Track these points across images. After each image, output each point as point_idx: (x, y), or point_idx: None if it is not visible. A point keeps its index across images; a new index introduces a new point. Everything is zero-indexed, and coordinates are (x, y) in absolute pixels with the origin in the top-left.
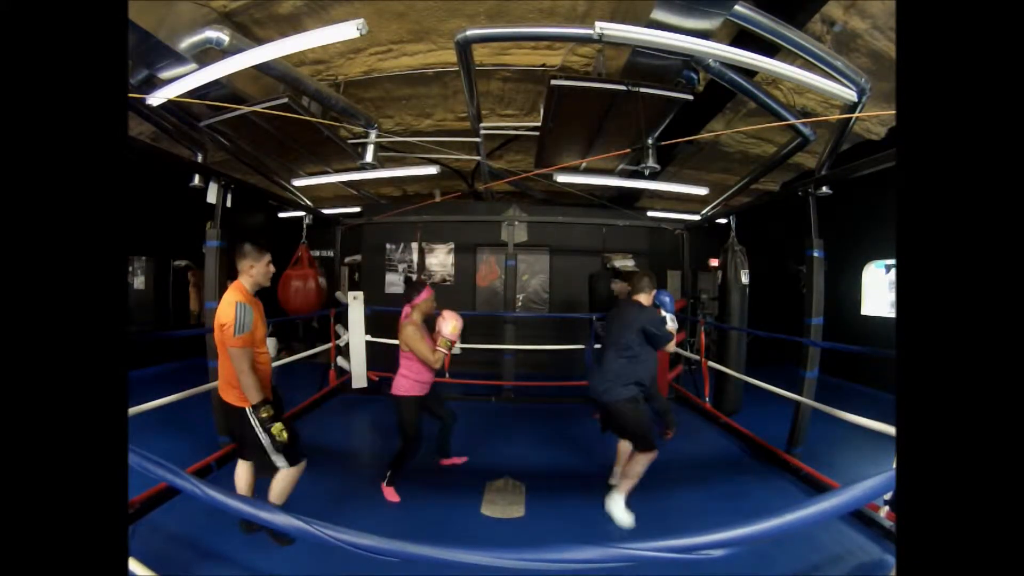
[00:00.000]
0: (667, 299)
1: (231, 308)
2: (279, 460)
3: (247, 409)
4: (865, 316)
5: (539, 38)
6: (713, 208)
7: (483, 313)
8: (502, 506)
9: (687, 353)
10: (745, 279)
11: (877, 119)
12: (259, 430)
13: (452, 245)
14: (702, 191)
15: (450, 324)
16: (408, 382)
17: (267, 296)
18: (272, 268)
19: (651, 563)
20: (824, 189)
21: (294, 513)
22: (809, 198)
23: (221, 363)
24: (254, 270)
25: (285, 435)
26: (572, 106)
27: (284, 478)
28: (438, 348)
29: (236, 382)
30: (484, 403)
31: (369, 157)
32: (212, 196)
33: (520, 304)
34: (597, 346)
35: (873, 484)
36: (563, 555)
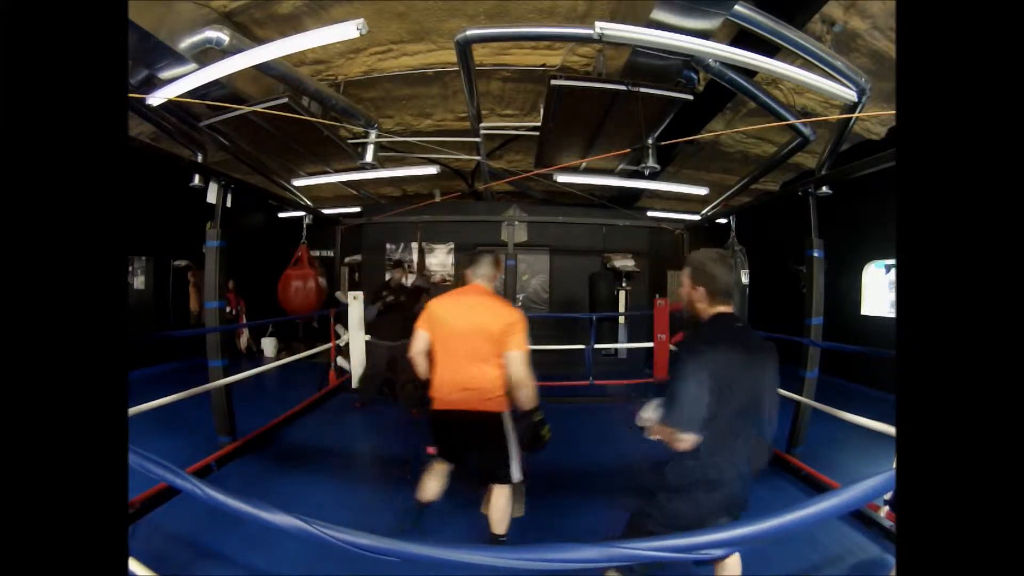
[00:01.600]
0: None
1: (517, 313)
2: (516, 471)
3: (503, 414)
4: (865, 316)
5: (539, 38)
6: (713, 208)
7: None
8: None
9: None
10: (745, 279)
11: (877, 119)
12: (509, 438)
13: (452, 245)
14: (702, 191)
15: None
16: None
17: (267, 296)
18: None
19: (651, 562)
20: (824, 189)
21: (294, 512)
22: (809, 198)
23: (481, 371)
24: (497, 279)
25: (549, 435)
26: (572, 106)
27: (508, 495)
28: None
29: (499, 390)
30: None
31: (369, 157)
32: (212, 196)
33: (520, 304)
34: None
35: (873, 484)
36: (563, 555)
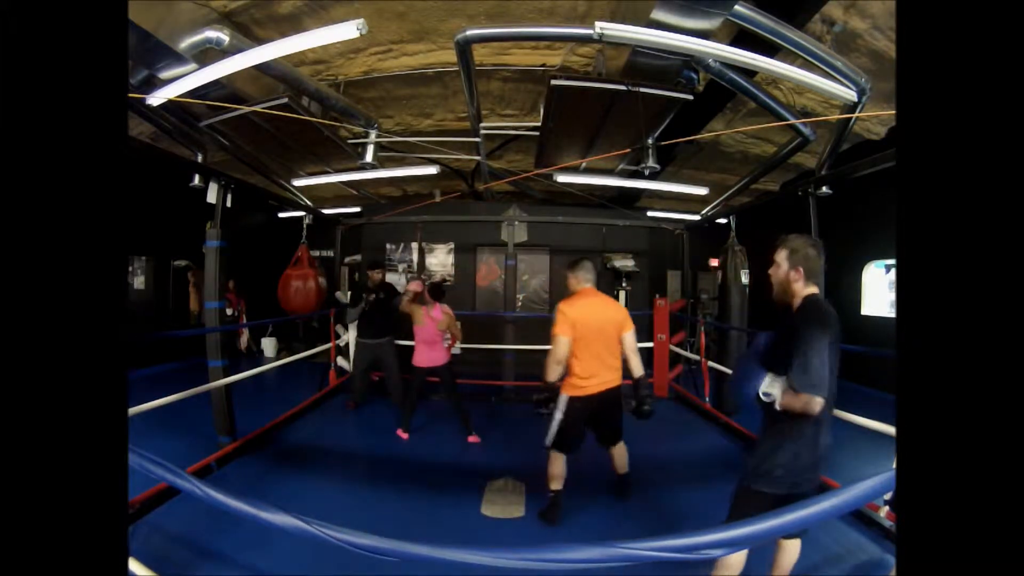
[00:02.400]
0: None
1: (621, 304)
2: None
3: (620, 386)
4: (865, 316)
5: (539, 38)
6: (713, 208)
7: (483, 313)
8: (502, 506)
9: (687, 353)
10: (745, 279)
11: (877, 119)
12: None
13: (452, 245)
14: (702, 191)
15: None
16: None
17: (267, 296)
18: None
19: (651, 563)
20: (824, 189)
21: (294, 512)
22: (809, 198)
23: (617, 353)
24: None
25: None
26: (572, 106)
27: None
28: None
29: (620, 365)
30: (484, 403)
31: (369, 157)
32: (212, 196)
33: (520, 304)
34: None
35: (873, 484)
36: (563, 555)
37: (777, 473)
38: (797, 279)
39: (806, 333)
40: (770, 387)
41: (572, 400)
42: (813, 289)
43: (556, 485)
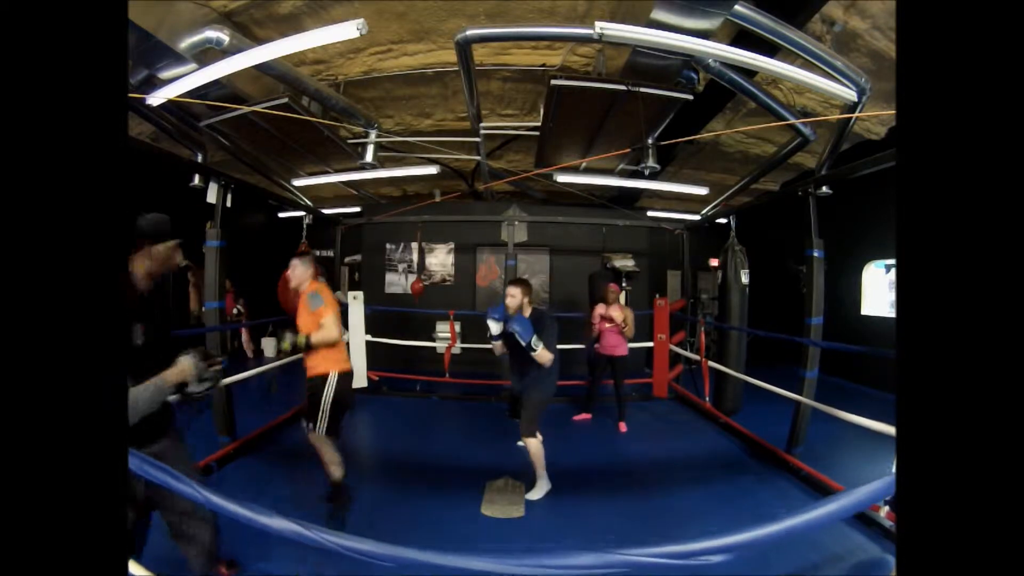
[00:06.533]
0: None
1: None
2: None
3: None
4: (865, 316)
5: (539, 38)
6: (713, 208)
7: (483, 313)
8: (502, 506)
9: (687, 353)
10: (745, 279)
11: (877, 119)
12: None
13: (452, 245)
14: (702, 191)
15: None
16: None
17: (267, 296)
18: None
19: (650, 568)
20: (824, 189)
21: (292, 517)
22: (809, 198)
23: None
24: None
25: None
26: (572, 106)
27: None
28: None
29: None
30: (484, 403)
31: (369, 157)
32: (212, 196)
33: None
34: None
35: (873, 488)
36: (561, 561)
37: (549, 391)
38: (527, 303)
39: (548, 327)
40: (536, 344)
41: (341, 376)
42: (535, 304)
43: (339, 472)
